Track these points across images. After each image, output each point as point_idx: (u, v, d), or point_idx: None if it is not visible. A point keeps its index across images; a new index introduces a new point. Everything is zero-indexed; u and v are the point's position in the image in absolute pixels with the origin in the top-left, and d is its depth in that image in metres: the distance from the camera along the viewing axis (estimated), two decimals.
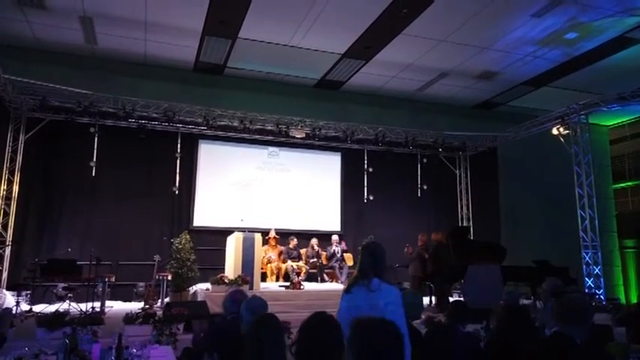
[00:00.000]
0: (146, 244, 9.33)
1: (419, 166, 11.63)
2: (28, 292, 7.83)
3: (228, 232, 8.90)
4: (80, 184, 9.28)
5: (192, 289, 8.52)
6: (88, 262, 7.64)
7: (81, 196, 9.30)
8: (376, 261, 2.78)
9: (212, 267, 9.17)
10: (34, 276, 7.60)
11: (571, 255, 9.99)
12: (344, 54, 9.62)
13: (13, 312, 6.55)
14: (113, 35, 8.86)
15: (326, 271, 9.86)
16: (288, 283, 8.59)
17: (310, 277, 9.58)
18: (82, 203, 9.31)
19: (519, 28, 8.53)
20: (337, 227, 11.10)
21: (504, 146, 12.10)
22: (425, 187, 11.56)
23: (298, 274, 9.19)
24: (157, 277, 8.37)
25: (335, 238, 10.25)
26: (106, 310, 7.54)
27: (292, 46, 9.30)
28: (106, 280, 7.80)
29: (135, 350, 3.13)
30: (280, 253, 9.77)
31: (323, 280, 9.67)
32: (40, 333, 5.55)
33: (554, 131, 10.26)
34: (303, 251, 10.00)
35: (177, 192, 9.80)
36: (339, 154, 11.49)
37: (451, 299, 8.30)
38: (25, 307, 7.37)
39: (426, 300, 8.61)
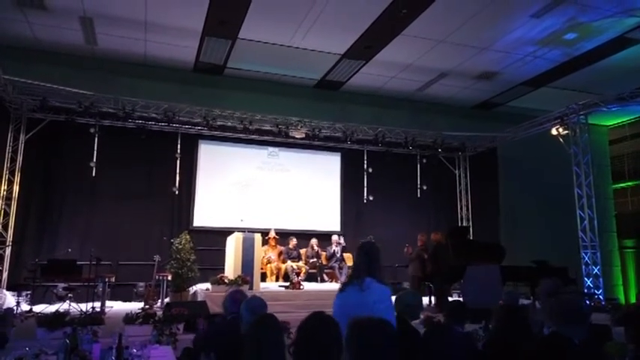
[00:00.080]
0: (146, 244, 9.33)
1: (418, 166, 11.61)
2: (29, 292, 7.83)
3: (228, 232, 8.92)
4: (80, 185, 9.28)
5: (192, 289, 8.53)
6: (88, 263, 7.65)
7: (81, 197, 9.31)
8: (371, 260, 2.82)
9: (212, 267, 9.19)
10: (35, 276, 7.63)
11: (570, 255, 9.98)
12: (344, 54, 9.63)
13: (14, 312, 6.57)
14: (113, 35, 8.87)
15: (326, 271, 9.87)
16: (287, 283, 8.61)
17: (310, 278, 9.60)
18: (82, 203, 9.32)
19: (519, 29, 8.54)
20: (337, 227, 11.10)
21: (504, 146, 12.10)
22: (424, 188, 11.53)
23: (298, 274, 9.20)
24: (157, 277, 8.37)
25: (335, 238, 10.24)
26: (106, 310, 7.54)
27: (292, 47, 9.30)
28: (106, 280, 7.81)
29: (135, 350, 3.14)
30: (280, 254, 9.78)
31: (323, 281, 9.69)
32: (41, 333, 5.55)
33: (554, 131, 10.27)
34: (302, 251, 10.01)
35: (177, 192, 9.80)
36: (339, 154, 11.49)
37: (451, 299, 8.31)
38: (25, 307, 7.38)
39: (425, 300, 8.61)
